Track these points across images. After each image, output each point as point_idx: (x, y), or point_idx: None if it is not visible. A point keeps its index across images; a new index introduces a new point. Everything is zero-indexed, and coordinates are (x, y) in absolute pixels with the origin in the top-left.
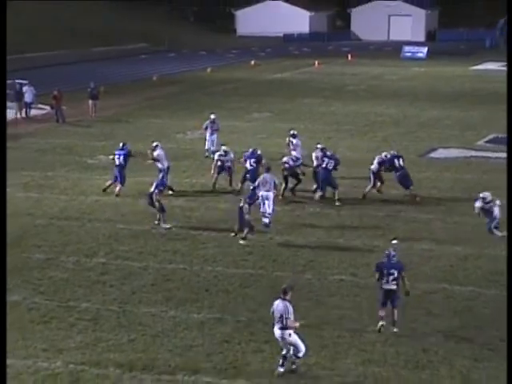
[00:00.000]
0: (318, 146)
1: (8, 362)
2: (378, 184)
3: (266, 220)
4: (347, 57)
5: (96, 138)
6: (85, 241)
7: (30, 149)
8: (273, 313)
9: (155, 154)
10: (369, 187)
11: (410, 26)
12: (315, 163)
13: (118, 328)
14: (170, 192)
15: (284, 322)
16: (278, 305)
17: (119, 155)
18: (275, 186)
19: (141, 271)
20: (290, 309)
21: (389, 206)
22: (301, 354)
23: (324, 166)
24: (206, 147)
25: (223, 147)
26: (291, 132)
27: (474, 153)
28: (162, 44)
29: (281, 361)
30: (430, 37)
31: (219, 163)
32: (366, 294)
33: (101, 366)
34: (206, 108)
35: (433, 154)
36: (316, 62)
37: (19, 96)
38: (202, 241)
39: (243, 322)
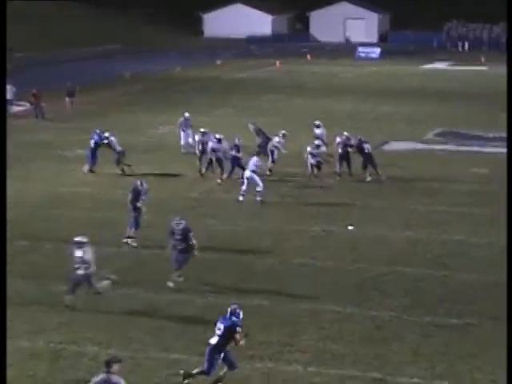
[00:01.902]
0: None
1: None
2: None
3: (258, 198)
4: (306, 57)
5: (73, 132)
6: (64, 228)
7: (11, 143)
8: None
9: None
10: (336, 168)
11: (363, 29)
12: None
13: (92, 309)
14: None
15: None
16: (99, 379)
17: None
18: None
19: (116, 256)
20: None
21: (346, 195)
22: None
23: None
24: (182, 143)
25: (217, 135)
26: (316, 122)
27: (421, 146)
28: (134, 45)
29: None
30: (382, 38)
31: (210, 154)
32: (324, 276)
33: (79, 345)
34: (177, 104)
35: (385, 147)
36: (277, 62)
37: None
38: None
39: (210, 303)
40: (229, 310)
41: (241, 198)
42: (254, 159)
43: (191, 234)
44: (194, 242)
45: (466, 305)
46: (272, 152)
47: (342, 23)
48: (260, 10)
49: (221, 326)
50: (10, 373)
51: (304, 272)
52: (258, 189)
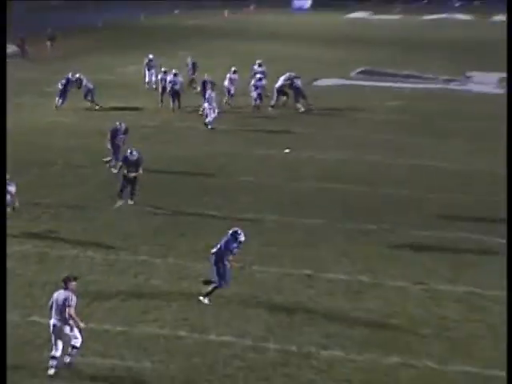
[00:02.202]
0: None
1: None
2: (284, 98)
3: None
4: (249, 8)
5: (52, 71)
6: (46, 152)
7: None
8: (52, 304)
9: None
10: (273, 101)
11: None
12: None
13: (73, 219)
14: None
15: (63, 314)
16: (60, 294)
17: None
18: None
19: (92, 176)
20: (72, 297)
21: (281, 124)
22: (78, 344)
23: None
24: (147, 80)
25: (174, 70)
26: (258, 61)
27: (347, 81)
28: None
29: (51, 362)
30: None
31: (167, 87)
32: (265, 191)
33: (61, 249)
34: (142, 47)
35: (315, 83)
36: (226, 12)
37: None
38: None
39: (170, 215)
40: (230, 231)
41: (209, 127)
42: (209, 92)
43: (141, 165)
44: (141, 171)
45: (384, 214)
46: (229, 89)
47: None
48: None
49: (221, 241)
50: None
51: (249, 188)
52: (210, 119)
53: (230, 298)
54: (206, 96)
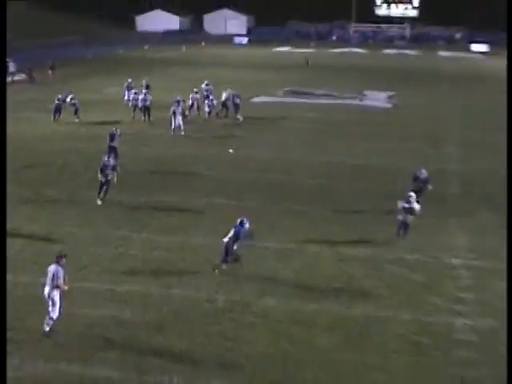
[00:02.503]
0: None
1: None
2: (225, 110)
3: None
4: (201, 44)
5: (53, 92)
6: (50, 155)
7: (11, 100)
8: (47, 274)
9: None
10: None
11: (238, 25)
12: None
13: (70, 205)
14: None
15: (54, 283)
16: (51, 268)
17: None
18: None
19: (84, 173)
20: (61, 272)
21: (226, 130)
22: (55, 316)
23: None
24: (125, 99)
25: (144, 90)
26: (206, 82)
27: (276, 99)
28: (87, 37)
29: (46, 321)
30: (249, 31)
31: (139, 104)
32: (216, 181)
33: (60, 227)
34: (122, 73)
35: (253, 100)
36: (184, 48)
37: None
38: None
39: (146, 200)
40: (239, 220)
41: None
42: (178, 108)
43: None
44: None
45: (305, 198)
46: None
47: (224, 22)
48: (172, 13)
49: (232, 230)
50: None
51: (206, 179)
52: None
53: (191, 264)
54: (179, 110)
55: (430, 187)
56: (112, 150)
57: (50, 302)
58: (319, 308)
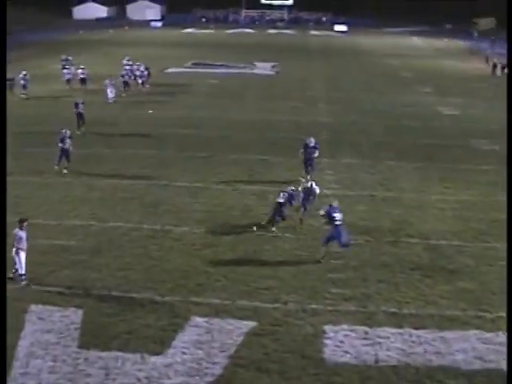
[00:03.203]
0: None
1: None
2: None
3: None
4: (125, 28)
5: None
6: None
7: None
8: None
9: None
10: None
11: (154, 12)
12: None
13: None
14: None
15: (18, 244)
16: (16, 231)
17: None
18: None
19: None
20: (24, 236)
21: (144, 96)
22: (22, 271)
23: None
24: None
25: (81, 66)
26: (127, 57)
27: (184, 69)
28: (32, 25)
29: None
30: (163, 18)
31: (78, 77)
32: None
33: (23, 176)
34: (60, 52)
35: (167, 70)
36: (111, 31)
37: None
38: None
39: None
40: (288, 188)
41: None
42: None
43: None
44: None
45: (210, 147)
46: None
47: (143, 10)
48: (101, 4)
49: (286, 194)
50: None
51: (130, 134)
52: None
53: (122, 200)
54: (112, 82)
55: (317, 154)
56: (78, 116)
57: (17, 259)
58: (223, 231)
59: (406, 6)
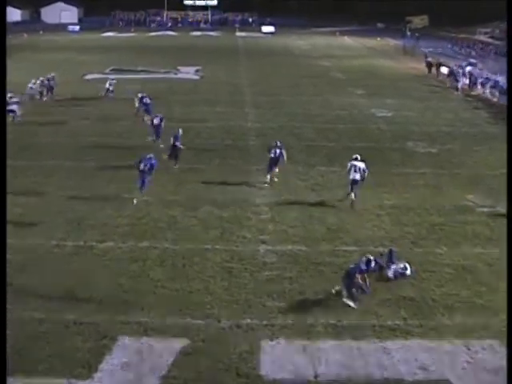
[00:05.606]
0: None
1: None
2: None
3: None
4: (40, 32)
5: None
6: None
7: None
8: None
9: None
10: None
11: (70, 16)
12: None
13: None
14: None
15: None
16: None
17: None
18: None
19: None
20: None
21: (61, 105)
22: None
23: None
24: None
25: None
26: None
27: (103, 75)
28: None
29: None
30: (80, 21)
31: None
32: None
33: None
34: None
35: (86, 77)
36: (25, 35)
37: None
38: None
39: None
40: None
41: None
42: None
43: None
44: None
45: (132, 154)
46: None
47: (58, 13)
48: (13, 7)
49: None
50: None
51: (50, 145)
52: None
53: (43, 216)
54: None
55: (182, 147)
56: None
57: None
58: (150, 245)
59: (333, 6)
